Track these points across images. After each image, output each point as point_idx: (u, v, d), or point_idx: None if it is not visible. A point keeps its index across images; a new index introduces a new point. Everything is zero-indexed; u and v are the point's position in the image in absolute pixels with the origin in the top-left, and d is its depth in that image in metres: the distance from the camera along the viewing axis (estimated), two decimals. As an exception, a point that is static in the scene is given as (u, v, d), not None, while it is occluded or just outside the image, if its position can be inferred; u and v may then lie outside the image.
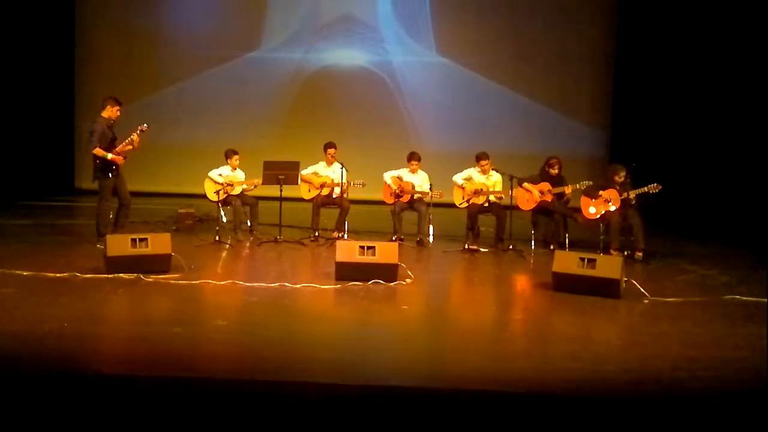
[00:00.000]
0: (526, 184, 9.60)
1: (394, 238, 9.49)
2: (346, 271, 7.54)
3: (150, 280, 7.34)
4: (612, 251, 8.94)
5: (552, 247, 9.34)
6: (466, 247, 9.43)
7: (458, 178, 9.85)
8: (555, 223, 9.59)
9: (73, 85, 14.14)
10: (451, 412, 4.56)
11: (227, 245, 9.32)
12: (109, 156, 8.66)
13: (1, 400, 4.42)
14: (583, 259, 7.31)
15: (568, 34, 13.82)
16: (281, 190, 9.54)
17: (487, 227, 10.01)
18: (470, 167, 9.90)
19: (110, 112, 8.85)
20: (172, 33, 14.18)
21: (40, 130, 13.35)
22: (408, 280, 7.66)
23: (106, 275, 7.37)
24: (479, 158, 9.81)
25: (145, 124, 8.79)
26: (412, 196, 9.87)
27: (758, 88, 11.12)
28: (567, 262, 7.42)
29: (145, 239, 7.63)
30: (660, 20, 12.63)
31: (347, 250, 7.67)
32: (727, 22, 11.58)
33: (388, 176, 10.02)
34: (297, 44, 14.24)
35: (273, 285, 7.29)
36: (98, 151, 8.66)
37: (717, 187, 11.56)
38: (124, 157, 8.83)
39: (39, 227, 10.25)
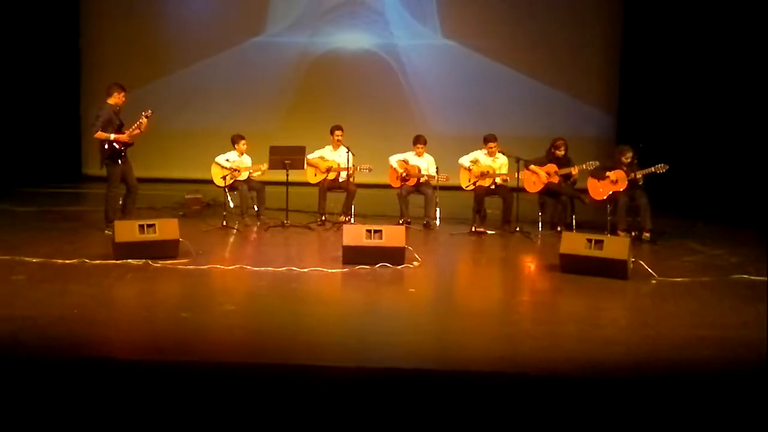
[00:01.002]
0: (532, 167, 9.58)
1: (400, 222, 9.49)
2: (353, 255, 7.55)
3: (158, 265, 7.36)
4: (619, 232, 8.92)
5: (559, 228, 9.32)
6: (473, 229, 9.43)
7: (465, 160, 9.84)
8: (562, 204, 9.57)
9: (79, 70, 14.13)
10: (458, 394, 4.57)
11: (235, 230, 9.34)
12: (111, 137, 8.67)
13: (12, 385, 4.46)
14: (590, 241, 7.31)
15: (575, 14, 13.72)
16: (287, 175, 9.55)
17: (493, 210, 10.00)
18: (476, 150, 9.89)
19: (116, 98, 8.86)
20: (177, 18, 14.15)
21: (47, 116, 13.36)
22: (415, 263, 7.66)
23: (114, 261, 7.41)
24: (487, 140, 9.79)
25: (149, 110, 8.79)
26: (419, 179, 9.86)
27: (765, 69, 11.03)
28: (574, 243, 7.41)
29: (153, 225, 7.65)
30: (667, 1, 12.53)
31: (354, 234, 7.68)
32: (734, 4, 11.46)
33: (395, 160, 10.01)
34: (302, 28, 14.19)
35: (280, 269, 7.31)
36: (100, 134, 8.67)
37: (724, 167, 11.50)
38: (132, 143, 8.84)
39: (47, 214, 10.30)
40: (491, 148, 9.74)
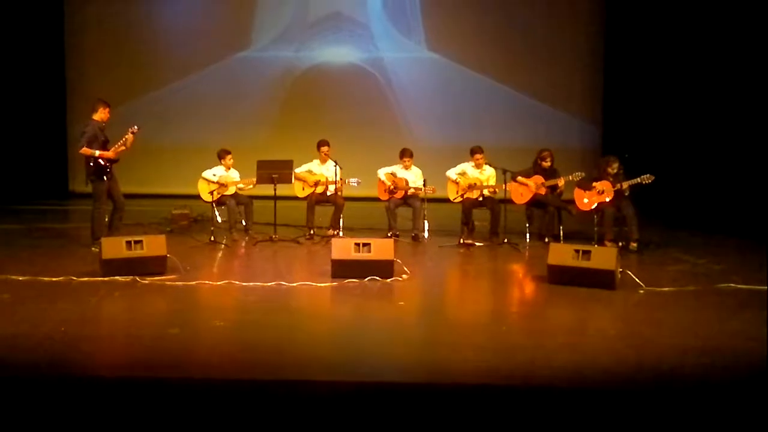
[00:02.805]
0: (519, 178, 9.62)
1: (389, 235, 9.51)
2: (342, 269, 7.54)
3: (146, 282, 7.33)
4: (606, 242, 8.97)
5: (546, 239, 9.36)
6: (462, 241, 9.45)
7: (452, 173, 9.88)
8: (549, 215, 9.61)
9: (65, 87, 14.09)
10: (448, 406, 4.57)
11: (223, 245, 9.32)
12: (97, 153, 8.63)
13: None
14: (577, 251, 7.34)
15: (558, 26, 13.83)
16: (275, 189, 9.54)
17: (481, 221, 10.02)
18: (463, 162, 9.93)
19: (101, 114, 8.82)
20: (163, 34, 14.15)
21: (33, 133, 13.30)
22: (404, 276, 7.67)
23: (101, 278, 7.36)
24: (474, 152, 9.83)
25: (135, 126, 8.76)
26: (406, 192, 9.88)
27: (747, 78, 11.14)
28: (562, 254, 7.44)
29: (141, 241, 7.63)
30: (649, 11, 12.64)
31: (343, 248, 7.68)
32: (715, 13, 11.58)
33: (382, 173, 10.03)
34: (287, 43, 14.22)
35: (269, 284, 7.29)
36: (85, 150, 8.64)
37: (709, 176, 11.58)
38: (118, 159, 8.81)
39: (33, 231, 10.23)
40: (478, 160, 9.78)
